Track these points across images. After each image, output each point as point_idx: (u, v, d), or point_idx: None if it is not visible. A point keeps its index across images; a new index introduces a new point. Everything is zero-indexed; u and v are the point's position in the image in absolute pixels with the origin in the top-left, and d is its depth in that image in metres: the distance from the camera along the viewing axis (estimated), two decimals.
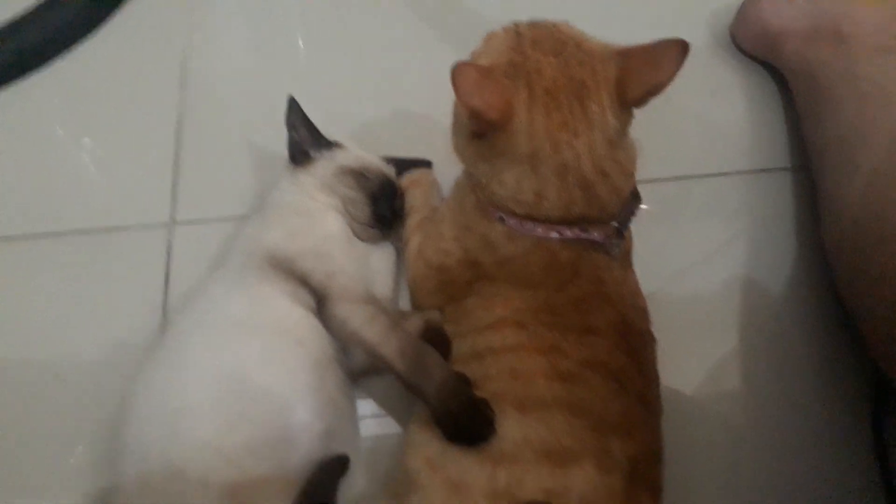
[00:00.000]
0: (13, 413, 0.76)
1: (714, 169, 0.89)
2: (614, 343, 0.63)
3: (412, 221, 0.78)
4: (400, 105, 0.93)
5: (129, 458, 0.60)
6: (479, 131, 0.62)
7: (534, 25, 0.64)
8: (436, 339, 0.69)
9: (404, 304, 0.79)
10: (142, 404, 0.63)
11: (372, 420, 0.75)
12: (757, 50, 0.95)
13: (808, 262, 0.83)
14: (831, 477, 0.73)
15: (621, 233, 0.66)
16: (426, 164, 0.86)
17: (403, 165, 0.84)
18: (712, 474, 0.73)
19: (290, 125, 0.77)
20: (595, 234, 0.64)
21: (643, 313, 0.68)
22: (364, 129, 0.91)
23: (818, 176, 0.81)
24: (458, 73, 0.57)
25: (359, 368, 0.72)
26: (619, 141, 0.62)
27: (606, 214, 0.65)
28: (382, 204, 0.76)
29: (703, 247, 0.84)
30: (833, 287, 0.79)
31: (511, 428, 0.59)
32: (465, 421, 0.60)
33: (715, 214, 0.87)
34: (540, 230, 0.64)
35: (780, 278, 0.83)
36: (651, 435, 0.62)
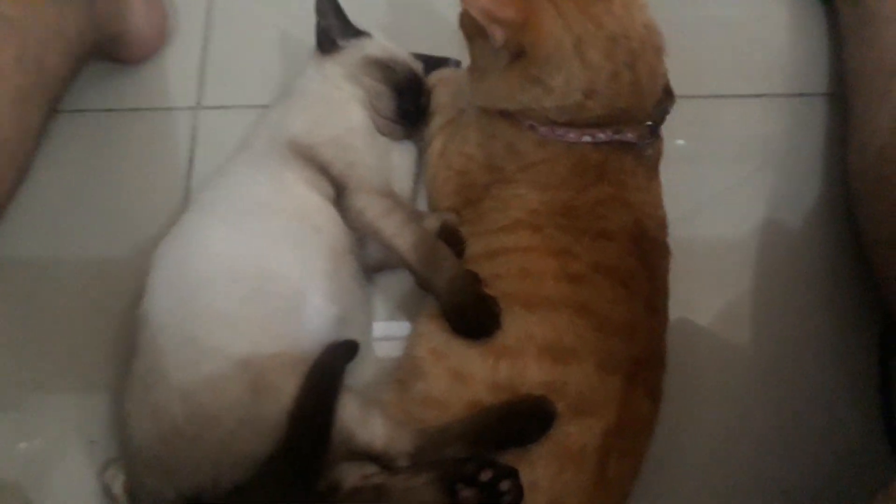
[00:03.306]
0: (43, 298, 0.79)
1: (748, 90, 0.85)
2: (626, 249, 0.63)
3: (437, 122, 0.77)
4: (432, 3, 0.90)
5: (146, 328, 0.63)
6: (514, 45, 0.61)
7: None
8: (451, 238, 0.70)
9: (422, 205, 0.79)
10: (161, 275, 0.65)
11: (384, 316, 0.76)
12: None
13: (835, 194, 0.80)
14: (839, 414, 0.73)
15: (655, 132, 0.66)
16: (455, 63, 0.84)
17: (432, 63, 0.82)
18: (720, 408, 0.73)
19: (320, 11, 0.75)
20: (629, 135, 0.64)
21: (661, 223, 0.68)
22: (394, 24, 0.89)
23: (851, 100, 0.78)
24: None
25: (374, 262, 0.73)
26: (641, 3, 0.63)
27: (645, 107, 0.64)
28: (407, 99, 0.75)
29: (729, 173, 0.82)
30: (852, 217, 0.76)
31: (516, 324, 0.61)
32: (471, 315, 0.61)
33: (744, 138, 0.84)
34: (573, 135, 0.64)
35: (802, 210, 0.80)
36: (654, 341, 0.63)
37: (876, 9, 0.76)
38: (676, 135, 0.74)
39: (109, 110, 0.86)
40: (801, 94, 0.85)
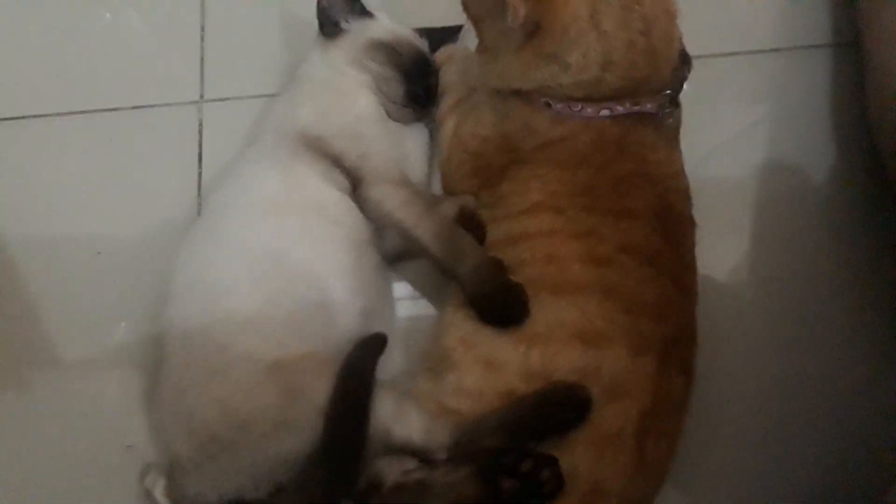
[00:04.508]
0: (58, 290, 0.79)
1: (753, 45, 0.83)
2: (651, 227, 0.62)
3: (447, 102, 0.75)
4: None
5: (172, 336, 0.63)
6: (531, 23, 0.59)
7: None
8: (471, 223, 0.69)
9: (435, 187, 0.78)
10: (183, 283, 0.64)
11: (408, 302, 0.76)
12: None
13: (842, 145, 0.79)
14: (847, 363, 0.73)
15: (674, 100, 0.65)
16: (457, 29, 0.81)
17: (435, 38, 0.79)
18: (731, 359, 0.73)
19: None
20: (648, 106, 0.63)
21: (684, 195, 0.66)
22: None
23: (868, 45, 0.75)
24: None
25: (394, 252, 0.72)
26: None
27: (662, 75, 0.63)
28: (416, 81, 0.73)
29: (734, 128, 0.80)
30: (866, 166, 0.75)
31: (545, 310, 0.60)
32: (499, 303, 0.61)
33: (750, 95, 0.82)
34: (590, 110, 0.62)
35: (811, 162, 0.79)
36: (685, 318, 0.62)
37: None
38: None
39: (114, 109, 0.85)
40: (805, 47, 0.83)
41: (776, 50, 0.83)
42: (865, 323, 0.74)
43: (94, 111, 0.85)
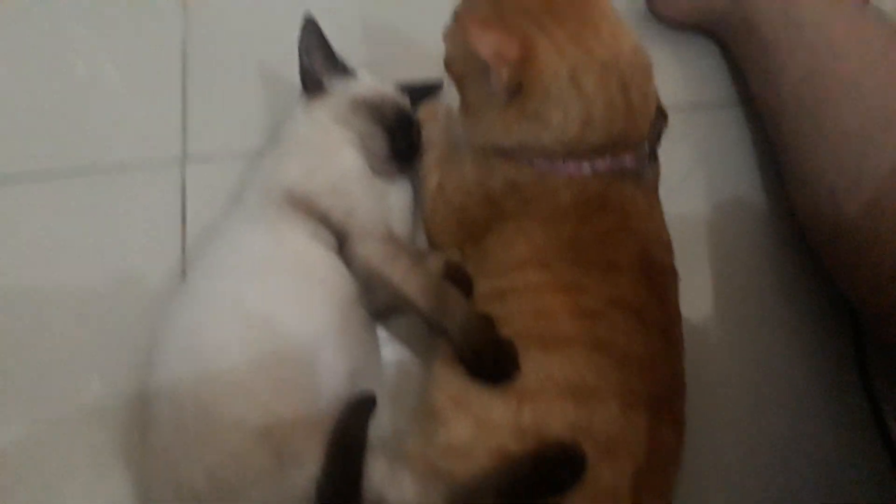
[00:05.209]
0: (38, 352, 0.77)
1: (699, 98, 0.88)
2: (636, 279, 0.63)
3: (430, 158, 0.76)
4: (403, 21, 0.91)
5: (161, 401, 0.61)
6: (513, 84, 0.60)
7: None
8: (457, 277, 0.69)
9: (420, 241, 0.78)
10: (170, 348, 0.63)
11: (395, 356, 0.75)
12: (684, 14, 0.88)
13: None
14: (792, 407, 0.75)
15: (652, 153, 0.67)
16: (438, 85, 0.83)
17: (416, 92, 0.81)
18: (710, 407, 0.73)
19: (305, 50, 0.74)
20: (627, 160, 0.64)
21: (667, 247, 0.68)
22: (374, 53, 0.88)
23: (779, 139, 0.77)
24: (463, 26, 0.58)
25: (381, 307, 0.72)
26: (627, 28, 0.64)
27: (640, 130, 0.65)
28: (399, 137, 0.74)
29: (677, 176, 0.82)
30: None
31: (535, 366, 0.60)
32: (488, 359, 0.61)
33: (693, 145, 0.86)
34: (572, 167, 0.64)
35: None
36: (674, 370, 0.63)
37: (774, 39, 0.76)
38: None
39: (95, 169, 0.84)
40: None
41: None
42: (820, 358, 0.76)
43: (76, 171, 0.84)
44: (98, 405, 0.73)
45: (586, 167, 0.64)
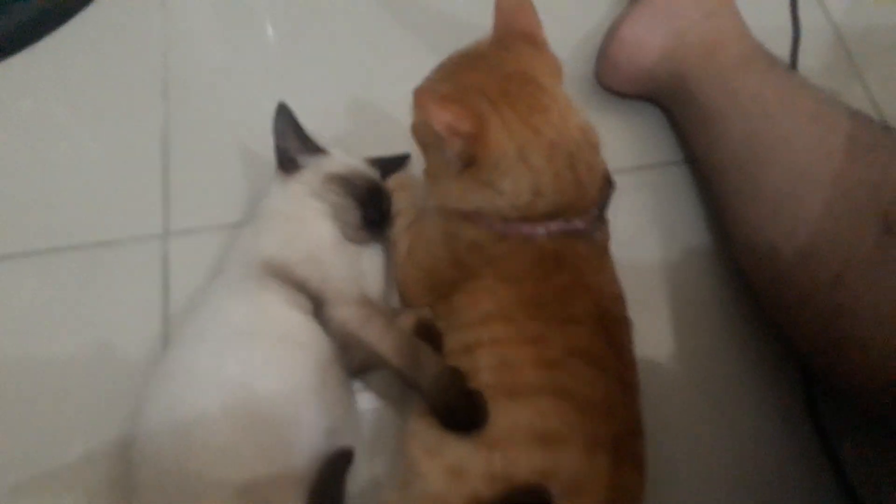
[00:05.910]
0: (19, 424, 0.78)
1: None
2: (593, 330, 0.68)
3: (400, 225, 0.82)
4: (371, 98, 0.98)
5: (144, 469, 0.64)
6: (466, 156, 0.67)
7: (448, 61, 0.73)
8: (428, 334, 0.74)
9: (393, 301, 0.83)
10: (153, 418, 0.66)
11: (372, 411, 0.79)
12: (629, 85, 0.95)
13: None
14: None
15: (601, 217, 0.73)
16: (405, 157, 0.90)
17: (385, 166, 0.88)
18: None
19: (279, 132, 0.80)
20: (578, 223, 0.70)
21: (619, 299, 0.73)
22: (348, 127, 0.94)
23: (721, 198, 0.82)
24: (422, 101, 0.65)
25: (357, 365, 0.76)
26: (576, 109, 0.71)
27: (589, 198, 0.71)
28: (371, 208, 0.79)
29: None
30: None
31: (503, 414, 0.64)
32: (459, 410, 0.65)
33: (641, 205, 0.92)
34: (526, 228, 0.69)
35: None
36: (631, 413, 0.67)
37: (711, 106, 0.81)
38: None
39: (80, 245, 0.88)
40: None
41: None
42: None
43: (57, 249, 0.87)
44: (80, 476, 0.75)
45: (541, 229, 0.69)
